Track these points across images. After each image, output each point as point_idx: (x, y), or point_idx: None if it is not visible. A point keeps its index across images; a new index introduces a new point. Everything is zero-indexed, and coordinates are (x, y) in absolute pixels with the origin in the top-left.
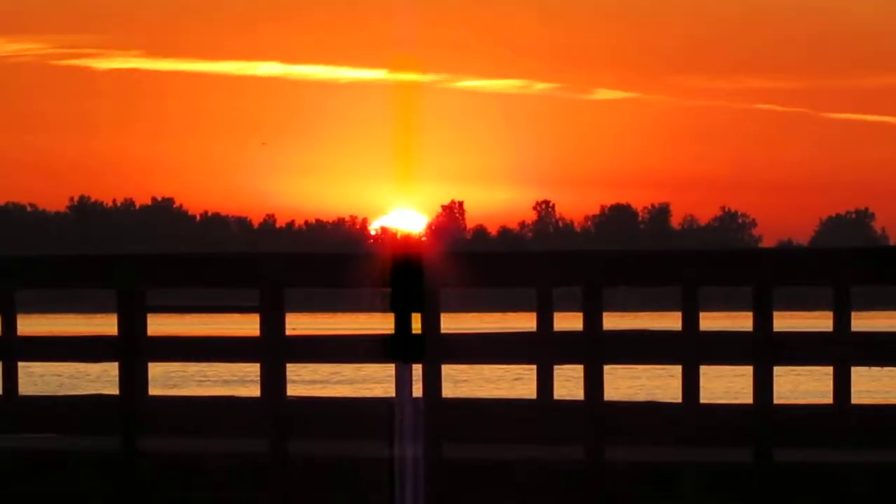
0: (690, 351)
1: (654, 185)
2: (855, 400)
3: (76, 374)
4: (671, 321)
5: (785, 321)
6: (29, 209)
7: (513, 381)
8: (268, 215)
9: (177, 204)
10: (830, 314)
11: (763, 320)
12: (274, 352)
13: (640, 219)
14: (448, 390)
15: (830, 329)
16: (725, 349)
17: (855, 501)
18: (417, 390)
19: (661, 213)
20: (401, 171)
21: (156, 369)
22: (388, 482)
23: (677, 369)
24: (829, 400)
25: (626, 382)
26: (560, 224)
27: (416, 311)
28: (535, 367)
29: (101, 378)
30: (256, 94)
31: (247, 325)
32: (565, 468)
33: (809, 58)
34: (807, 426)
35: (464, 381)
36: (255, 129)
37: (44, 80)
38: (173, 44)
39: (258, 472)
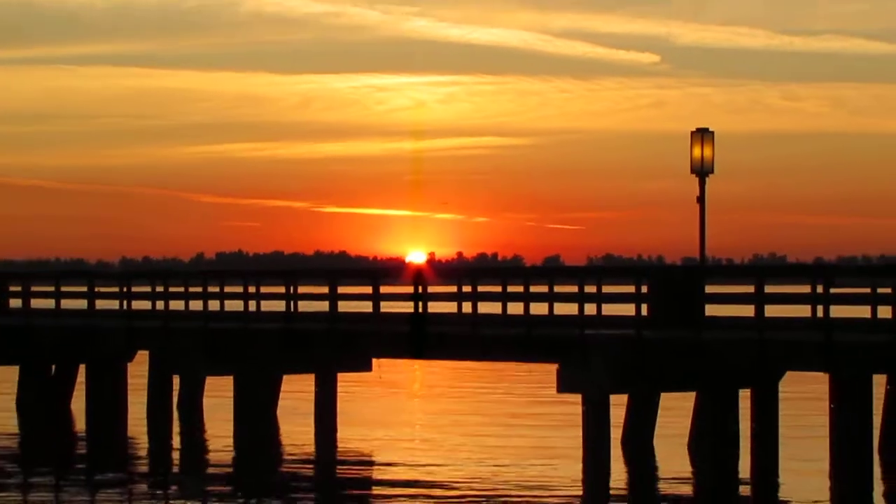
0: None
1: None
2: None
3: None
4: None
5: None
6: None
7: None
8: (374, 256)
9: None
10: None
11: None
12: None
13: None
14: None
15: None
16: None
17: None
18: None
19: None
20: (413, 241)
21: None
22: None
23: None
24: None
25: None
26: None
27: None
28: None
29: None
30: (363, 223)
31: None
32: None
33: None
34: None
35: None
36: (360, 236)
37: (301, 220)
38: (328, 200)
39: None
